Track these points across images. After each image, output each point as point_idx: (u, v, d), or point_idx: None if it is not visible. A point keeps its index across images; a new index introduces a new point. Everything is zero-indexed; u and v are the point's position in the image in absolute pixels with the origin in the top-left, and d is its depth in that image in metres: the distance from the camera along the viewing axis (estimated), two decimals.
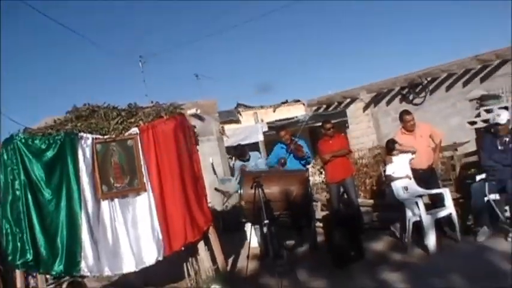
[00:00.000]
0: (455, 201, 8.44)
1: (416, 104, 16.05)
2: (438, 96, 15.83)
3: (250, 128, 17.81)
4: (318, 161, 11.62)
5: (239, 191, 8.57)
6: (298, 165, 9.29)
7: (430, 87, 15.97)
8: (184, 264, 7.80)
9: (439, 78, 15.78)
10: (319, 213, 10.33)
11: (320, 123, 10.15)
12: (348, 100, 18.19)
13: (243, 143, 12.62)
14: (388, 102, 17.12)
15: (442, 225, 8.13)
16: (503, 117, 7.71)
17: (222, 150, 14.88)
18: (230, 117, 18.32)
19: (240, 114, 19.31)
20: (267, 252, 8.02)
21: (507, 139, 7.71)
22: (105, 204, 7.06)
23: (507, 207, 7.80)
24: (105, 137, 7.11)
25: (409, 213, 7.96)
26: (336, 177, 9.57)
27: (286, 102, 21.03)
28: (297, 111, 19.81)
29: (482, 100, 9.24)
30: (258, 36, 54.27)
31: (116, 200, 7.12)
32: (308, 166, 9.78)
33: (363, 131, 17.52)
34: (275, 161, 9.52)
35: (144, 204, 7.21)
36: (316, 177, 12.45)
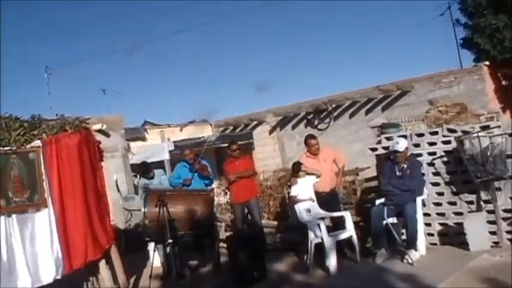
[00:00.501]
0: (356, 224, 8.71)
1: (321, 129, 16.55)
2: (342, 122, 16.43)
3: (156, 146, 17.59)
4: (223, 182, 11.69)
5: (143, 209, 8.45)
6: (202, 185, 9.35)
7: (335, 114, 16.55)
8: (85, 283, 7.58)
9: (343, 106, 16.39)
10: (223, 234, 10.35)
11: (226, 144, 10.25)
12: (255, 122, 18.47)
13: (148, 161, 12.46)
14: (294, 126, 17.54)
15: (343, 247, 8.38)
16: (401, 145, 8.08)
17: (127, 168, 14.61)
18: (136, 134, 18.03)
19: (147, 132, 19.06)
20: (170, 272, 7.96)
21: (405, 166, 8.09)
22: (1, 219, 6.75)
23: (404, 231, 8.17)
24: (6, 148, 6.80)
25: (311, 235, 8.14)
26: (240, 198, 9.68)
27: (193, 121, 21.01)
28: (204, 132, 19.84)
29: (383, 128, 9.64)
30: (166, 56, 53.89)
31: (14, 215, 6.81)
32: (213, 186, 9.84)
33: (268, 154, 17.81)
34: (177, 181, 9.52)
35: (44, 221, 6.93)
36: (221, 198, 12.48)
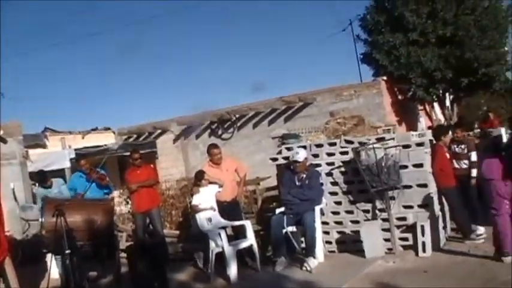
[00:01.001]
0: (257, 233, 8.80)
1: (224, 139, 16.66)
2: (245, 132, 16.60)
3: (56, 153, 17.00)
4: (125, 191, 11.49)
5: (40, 219, 8.14)
6: (102, 194, 9.17)
7: (238, 124, 16.68)
8: None
9: (247, 116, 16.55)
10: (124, 244, 10.16)
11: (129, 153, 10.11)
12: (159, 131, 18.30)
13: (48, 169, 12.03)
14: (198, 136, 17.52)
15: (244, 256, 8.43)
16: (301, 155, 8.26)
17: (25, 176, 14.00)
18: (36, 141, 17.37)
19: (47, 139, 18.41)
20: (68, 283, 7.69)
21: (304, 175, 8.27)
22: None
23: (303, 239, 8.34)
24: None
25: (212, 244, 8.14)
26: (142, 207, 9.55)
27: (96, 129, 20.52)
28: (107, 139, 19.41)
29: (283, 138, 9.83)
30: (70, 60, 52.47)
31: None
32: (113, 195, 9.67)
33: (172, 163, 17.69)
34: (71, 194, 9.31)
35: None
36: (122, 207, 12.25)
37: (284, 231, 8.09)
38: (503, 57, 18.09)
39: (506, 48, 19.44)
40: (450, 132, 9.21)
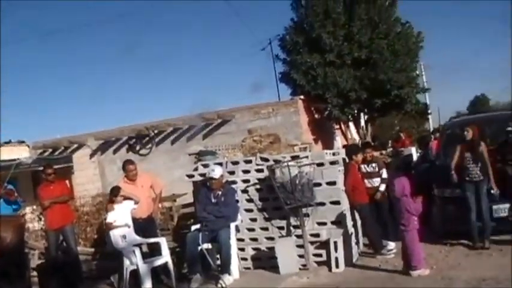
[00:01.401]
0: (172, 250, 8.77)
1: (142, 155, 16.48)
2: (164, 148, 16.51)
3: None
4: (38, 207, 11.13)
5: None
6: (10, 210, 8.89)
7: (157, 140, 16.56)
8: None
9: (165, 132, 16.46)
10: (36, 262, 9.83)
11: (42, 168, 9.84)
12: (75, 146, 17.88)
13: None
14: (115, 151, 17.27)
15: (159, 273, 8.37)
16: (217, 172, 8.32)
17: None
18: None
19: None
20: None
21: (220, 193, 8.32)
22: None
23: (218, 256, 8.36)
24: None
25: (126, 262, 8.04)
26: (55, 224, 9.29)
27: (9, 142, 19.76)
28: (21, 153, 18.74)
29: (200, 155, 9.87)
30: None
31: None
32: (25, 211, 9.37)
33: (88, 178, 17.31)
34: None
35: None
36: (35, 224, 11.85)
37: (199, 248, 8.09)
38: (414, 80, 18.99)
39: (417, 72, 20.40)
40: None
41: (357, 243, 9.07)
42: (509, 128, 8.64)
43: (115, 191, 8.74)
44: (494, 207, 8.52)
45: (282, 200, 8.23)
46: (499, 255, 7.85)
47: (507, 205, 8.50)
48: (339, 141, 20.40)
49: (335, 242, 8.02)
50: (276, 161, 8.54)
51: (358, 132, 20.43)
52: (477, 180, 8.36)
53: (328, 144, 18.43)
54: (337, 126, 20.19)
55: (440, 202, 9.06)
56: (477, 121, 10.56)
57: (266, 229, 8.78)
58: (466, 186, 8.42)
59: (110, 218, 8.58)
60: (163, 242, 8.35)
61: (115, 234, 8.38)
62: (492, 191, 8.40)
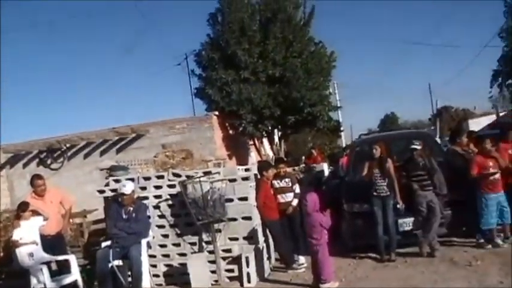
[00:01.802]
0: (83, 267, 8.63)
1: (54, 169, 16.07)
2: (76, 163, 16.17)
3: None
4: None
5: None
6: None
7: (69, 154, 16.20)
8: None
9: (78, 146, 16.14)
10: None
11: None
12: None
13: None
14: (25, 165, 16.72)
15: None
16: (128, 187, 8.24)
17: None
18: None
19: None
20: None
21: (131, 208, 8.24)
22: None
23: (129, 273, 8.26)
24: None
25: (33, 281, 7.84)
26: None
27: None
28: None
29: (111, 170, 9.75)
30: None
31: None
32: None
33: None
34: None
35: None
36: None
37: (110, 265, 7.97)
38: (326, 98, 19.49)
39: (330, 91, 20.98)
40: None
41: (269, 258, 9.23)
42: (413, 146, 9.03)
43: (22, 207, 8.50)
44: (400, 221, 8.95)
45: (193, 216, 8.28)
46: (404, 267, 8.25)
47: (411, 219, 8.94)
48: (254, 157, 20.60)
49: (247, 257, 8.13)
50: (188, 177, 8.58)
51: (272, 148, 20.70)
52: (384, 196, 8.75)
53: (242, 160, 18.58)
54: (252, 142, 20.41)
55: (349, 217, 9.37)
56: (385, 139, 11.06)
57: (178, 245, 8.81)
58: (374, 201, 8.78)
59: (16, 235, 8.34)
60: (73, 260, 8.20)
61: (21, 252, 8.14)
62: (398, 206, 8.78)
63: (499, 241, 8.74)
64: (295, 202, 9.14)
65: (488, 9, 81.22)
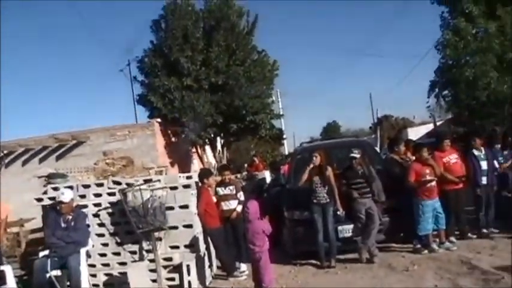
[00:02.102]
0: (19, 278, 8.44)
1: None
2: (14, 170, 15.79)
3: None
4: None
5: None
6: None
7: (7, 161, 15.81)
8: None
9: (16, 152, 15.78)
10: None
11: None
12: None
13: None
14: None
15: None
16: (66, 195, 8.08)
17: None
18: None
19: None
20: None
21: (70, 217, 8.07)
22: None
23: (68, 283, 8.11)
24: None
25: None
26: None
27: None
28: None
29: (50, 178, 9.56)
30: None
31: None
32: None
33: None
34: None
35: None
36: None
37: (48, 275, 7.79)
38: (269, 106, 19.74)
39: (272, 99, 21.23)
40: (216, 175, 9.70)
41: (210, 265, 9.22)
42: (353, 154, 9.22)
43: None
44: (340, 228, 9.10)
45: (134, 224, 8.18)
46: (344, 273, 8.40)
47: (351, 226, 9.10)
48: (196, 164, 20.60)
49: (188, 266, 8.09)
50: (129, 184, 8.50)
51: (214, 156, 20.76)
52: (324, 203, 8.89)
53: (185, 167, 18.56)
54: (194, 150, 20.40)
55: (290, 224, 9.47)
56: (326, 147, 11.24)
57: (118, 254, 8.70)
58: (314, 209, 8.92)
59: None
60: (9, 270, 7.96)
61: None
62: (338, 213, 8.94)
63: (435, 246, 9.00)
64: (239, 208, 9.16)
65: (427, 21, 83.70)
